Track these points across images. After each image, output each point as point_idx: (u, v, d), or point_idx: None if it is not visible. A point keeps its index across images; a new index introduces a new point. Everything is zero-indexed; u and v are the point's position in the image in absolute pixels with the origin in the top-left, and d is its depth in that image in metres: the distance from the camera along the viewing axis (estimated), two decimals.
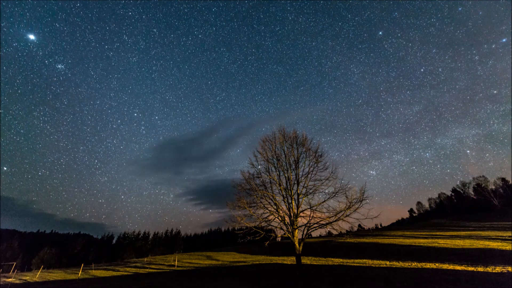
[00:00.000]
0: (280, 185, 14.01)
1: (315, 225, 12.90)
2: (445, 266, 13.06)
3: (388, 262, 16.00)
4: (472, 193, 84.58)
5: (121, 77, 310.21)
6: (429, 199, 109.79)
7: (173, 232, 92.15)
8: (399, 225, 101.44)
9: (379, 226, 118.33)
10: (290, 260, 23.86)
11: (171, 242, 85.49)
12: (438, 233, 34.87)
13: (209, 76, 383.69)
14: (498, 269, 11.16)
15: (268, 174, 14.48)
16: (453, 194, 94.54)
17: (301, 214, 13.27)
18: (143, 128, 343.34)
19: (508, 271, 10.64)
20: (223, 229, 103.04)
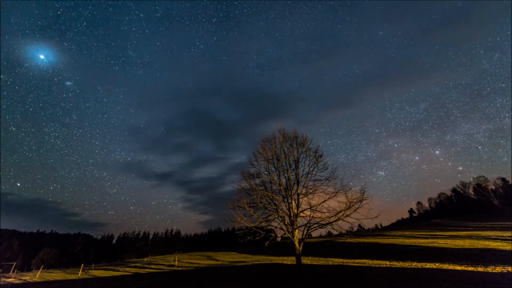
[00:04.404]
0: (280, 185, 14.00)
1: (315, 225, 12.90)
2: (445, 266, 13.05)
3: (388, 262, 16.00)
4: (472, 193, 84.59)
5: (127, 91, 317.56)
6: (429, 199, 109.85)
7: (173, 232, 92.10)
8: (399, 225, 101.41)
9: (379, 226, 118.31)
10: (290, 260, 23.85)
11: (171, 242, 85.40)
12: (438, 233, 34.86)
13: (212, 85, 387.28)
14: (498, 269, 11.16)
15: (268, 174, 14.50)
16: (453, 194, 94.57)
17: (301, 214, 13.27)
18: (149, 140, 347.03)
19: (508, 271, 10.64)
20: (223, 229, 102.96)
